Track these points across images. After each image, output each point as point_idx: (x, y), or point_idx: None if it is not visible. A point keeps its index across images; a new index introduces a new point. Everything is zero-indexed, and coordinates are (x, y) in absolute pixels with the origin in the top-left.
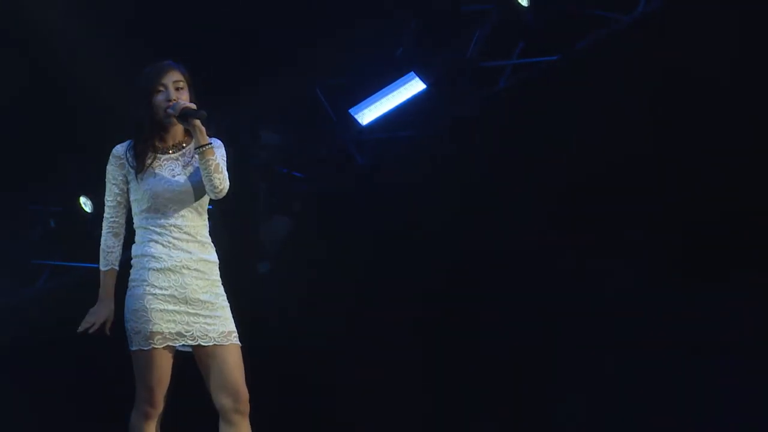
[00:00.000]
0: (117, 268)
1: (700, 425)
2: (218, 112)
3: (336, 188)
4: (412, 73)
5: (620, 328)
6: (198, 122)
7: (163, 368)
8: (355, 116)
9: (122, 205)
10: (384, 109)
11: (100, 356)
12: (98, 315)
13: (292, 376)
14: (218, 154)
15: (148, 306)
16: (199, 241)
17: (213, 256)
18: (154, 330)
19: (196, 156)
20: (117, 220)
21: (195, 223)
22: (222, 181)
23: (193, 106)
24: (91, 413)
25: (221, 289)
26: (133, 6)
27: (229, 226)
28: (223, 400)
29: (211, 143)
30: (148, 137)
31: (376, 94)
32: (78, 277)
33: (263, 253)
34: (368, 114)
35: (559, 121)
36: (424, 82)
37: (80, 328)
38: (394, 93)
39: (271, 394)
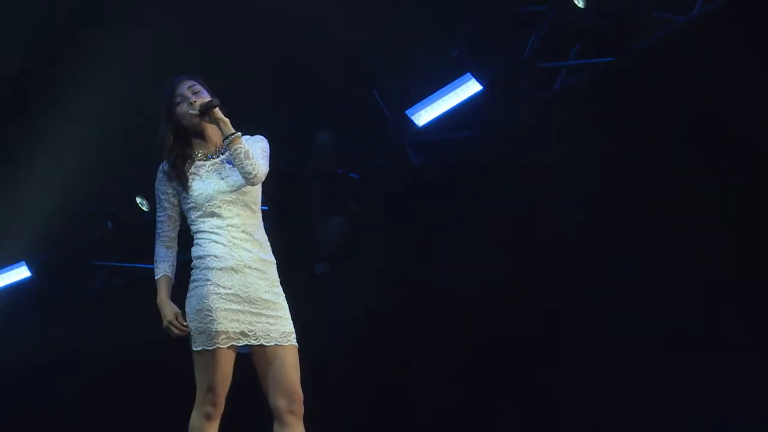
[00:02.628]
0: (171, 276)
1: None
2: (276, 114)
3: (392, 189)
4: (469, 74)
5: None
6: (219, 113)
7: (226, 368)
8: (412, 117)
9: (173, 219)
10: (440, 110)
11: (158, 356)
12: (168, 317)
13: (349, 377)
14: (258, 146)
15: (213, 305)
16: (256, 240)
17: (271, 255)
18: (219, 330)
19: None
20: (169, 234)
21: (251, 221)
22: (255, 167)
23: (208, 98)
24: (150, 412)
25: (281, 289)
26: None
27: (285, 227)
28: (278, 401)
29: (236, 132)
30: (175, 147)
31: (433, 95)
32: (135, 278)
33: (320, 254)
34: (424, 115)
35: (615, 121)
36: (480, 84)
37: (173, 335)
38: (451, 94)
39: (328, 396)
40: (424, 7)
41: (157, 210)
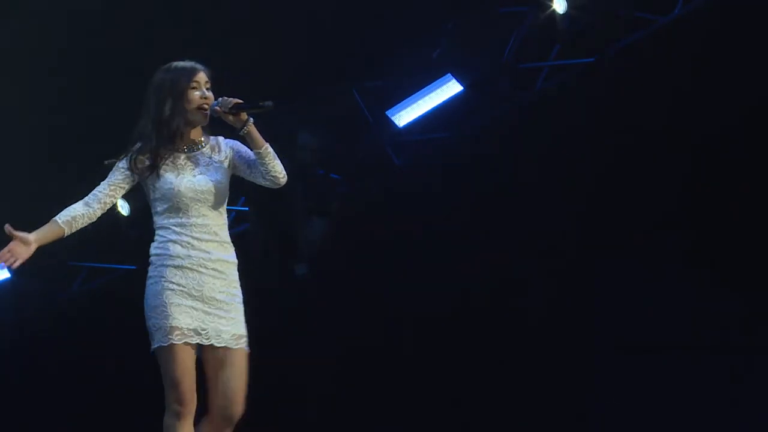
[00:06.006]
0: (64, 228)
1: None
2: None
3: (373, 190)
4: (449, 74)
5: (659, 330)
6: (252, 125)
7: (185, 363)
8: (392, 118)
9: (113, 192)
10: (421, 111)
11: (135, 357)
12: (21, 249)
13: (331, 376)
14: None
15: (166, 301)
16: (219, 241)
17: (232, 256)
18: (173, 325)
19: (256, 155)
20: (100, 197)
21: (216, 221)
22: (282, 168)
23: (240, 101)
24: (126, 413)
25: (238, 291)
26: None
27: (266, 228)
28: (219, 402)
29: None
30: (172, 133)
31: (413, 95)
32: (114, 279)
33: (301, 255)
34: (405, 116)
35: (597, 121)
36: (461, 84)
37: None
38: (431, 95)
39: (310, 394)
40: (404, 8)
41: (107, 179)
